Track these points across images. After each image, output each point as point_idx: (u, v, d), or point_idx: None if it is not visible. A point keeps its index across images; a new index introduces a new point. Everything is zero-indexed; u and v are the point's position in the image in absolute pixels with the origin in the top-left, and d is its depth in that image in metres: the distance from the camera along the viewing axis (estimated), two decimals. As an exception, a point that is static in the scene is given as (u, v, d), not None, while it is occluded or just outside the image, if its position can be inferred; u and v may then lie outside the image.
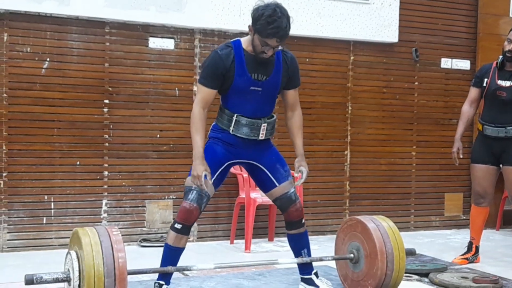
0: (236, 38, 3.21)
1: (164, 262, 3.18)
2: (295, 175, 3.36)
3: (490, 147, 4.46)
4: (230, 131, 3.21)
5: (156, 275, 3.26)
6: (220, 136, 3.25)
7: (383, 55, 5.93)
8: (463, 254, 4.62)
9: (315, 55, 5.67)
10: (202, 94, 3.13)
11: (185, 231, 3.15)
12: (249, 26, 3.09)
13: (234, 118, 3.19)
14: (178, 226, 3.14)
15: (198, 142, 3.10)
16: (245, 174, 4.87)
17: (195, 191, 3.15)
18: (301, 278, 3.47)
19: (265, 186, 3.38)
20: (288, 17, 3.04)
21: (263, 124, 3.24)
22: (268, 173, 3.33)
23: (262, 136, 3.25)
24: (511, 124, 4.36)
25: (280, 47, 3.10)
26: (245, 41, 3.15)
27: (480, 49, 6.21)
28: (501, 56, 4.42)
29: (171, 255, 3.18)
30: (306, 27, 5.49)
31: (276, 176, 3.33)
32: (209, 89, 3.12)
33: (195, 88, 5.25)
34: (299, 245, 3.42)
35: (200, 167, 3.06)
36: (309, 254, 3.43)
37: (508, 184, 4.42)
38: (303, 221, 3.41)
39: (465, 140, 5.50)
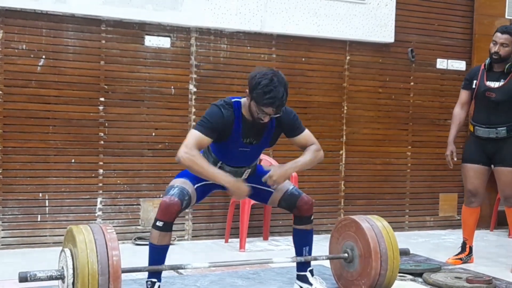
0: (237, 99, 3.20)
1: (151, 262, 3.16)
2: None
3: (482, 148, 4.47)
4: None
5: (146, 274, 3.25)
6: None
7: (379, 55, 5.94)
8: (457, 255, 4.64)
9: (311, 55, 5.67)
10: (199, 140, 3.09)
11: (167, 228, 3.11)
12: (246, 92, 3.13)
13: (219, 164, 3.28)
14: (159, 223, 3.10)
15: (215, 169, 3.12)
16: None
17: (176, 188, 3.16)
18: (297, 275, 3.48)
19: (262, 197, 3.43)
20: (285, 85, 3.07)
21: (246, 170, 3.35)
22: (258, 186, 3.39)
23: (245, 177, 3.35)
24: (501, 124, 4.38)
25: (276, 115, 3.13)
26: (243, 105, 3.18)
27: (476, 50, 6.22)
28: (488, 58, 4.44)
29: (158, 254, 3.16)
30: (302, 26, 5.49)
31: (267, 185, 3.33)
32: (207, 137, 3.11)
33: (191, 86, 5.25)
34: (303, 242, 3.44)
35: (242, 186, 3.14)
36: (310, 253, 3.45)
37: (500, 184, 4.44)
38: (312, 218, 3.42)
39: (459, 141, 5.52)
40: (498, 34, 4.37)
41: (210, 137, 3.11)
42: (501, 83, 4.38)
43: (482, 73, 4.47)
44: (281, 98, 3.03)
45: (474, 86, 4.50)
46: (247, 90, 3.10)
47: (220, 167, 3.26)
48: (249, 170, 3.36)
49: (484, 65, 4.48)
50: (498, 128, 4.39)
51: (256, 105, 3.05)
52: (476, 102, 4.54)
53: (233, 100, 3.19)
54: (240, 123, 3.16)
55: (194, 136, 3.10)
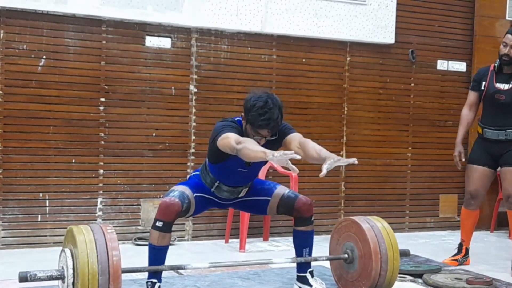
0: (239, 119, 3.21)
1: (151, 262, 3.16)
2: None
3: (489, 150, 4.46)
4: (211, 191, 3.33)
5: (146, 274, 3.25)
6: (203, 185, 3.34)
7: (379, 56, 5.94)
8: (453, 256, 4.64)
9: (311, 56, 5.68)
10: (232, 133, 3.03)
11: (166, 228, 3.12)
12: (242, 116, 3.15)
13: (216, 183, 3.30)
14: (159, 224, 3.10)
15: (259, 148, 2.91)
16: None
17: (177, 191, 3.20)
18: (297, 276, 3.48)
19: (261, 208, 3.44)
20: (280, 107, 3.08)
21: (243, 189, 3.37)
22: (255, 198, 3.42)
23: (242, 195, 3.38)
24: (510, 126, 4.37)
25: (272, 137, 3.12)
26: (243, 126, 3.18)
27: (476, 51, 6.23)
28: (498, 60, 4.42)
29: (157, 255, 3.16)
30: (303, 27, 5.50)
31: (263, 193, 3.38)
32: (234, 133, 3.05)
33: (191, 87, 5.26)
34: (303, 243, 3.43)
35: (275, 154, 2.82)
36: (310, 254, 3.44)
37: (505, 185, 4.42)
38: (313, 218, 3.42)
39: (464, 142, 5.51)
40: (509, 36, 4.33)
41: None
42: (511, 85, 4.36)
43: (491, 75, 4.45)
44: (276, 119, 3.05)
45: (482, 88, 4.48)
46: (243, 114, 3.12)
47: (217, 187, 3.31)
48: (246, 189, 3.39)
49: (494, 66, 4.46)
50: (508, 130, 4.37)
51: (252, 128, 3.08)
52: (484, 104, 4.52)
53: (236, 119, 3.22)
54: None
55: (229, 136, 3.00)
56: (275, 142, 3.25)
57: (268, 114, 3.02)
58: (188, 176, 3.52)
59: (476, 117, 4.74)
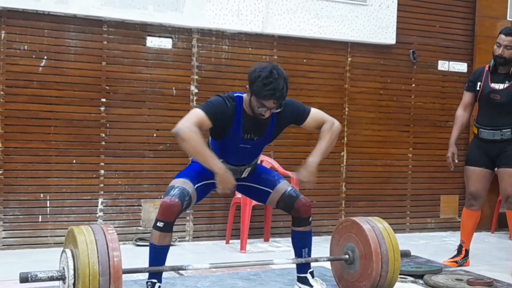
0: (239, 94, 3.18)
1: (152, 262, 3.15)
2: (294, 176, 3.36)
3: (485, 150, 4.46)
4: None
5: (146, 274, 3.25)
6: (205, 170, 3.23)
7: (380, 56, 5.94)
8: (452, 257, 4.63)
9: (312, 56, 5.68)
10: (200, 119, 3.02)
11: (167, 228, 3.10)
12: (246, 87, 3.11)
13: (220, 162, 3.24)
14: (160, 224, 3.09)
15: (210, 153, 3.06)
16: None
17: (177, 189, 3.15)
18: (297, 277, 3.48)
19: (261, 197, 3.43)
20: (285, 78, 3.05)
21: (246, 169, 3.34)
22: (258, 186, 3.39)
23: (245, 175, 3.36)
24: (506, 126, 4.37)
25: (277, 109, 3.10)
26: (245, 101, 3.16)
27: (477, 51, 6.22)
28: (492, 60, 4.43)
29: (158, 254, 3.15)
30: (303, 27, 5.50)
31: (266, 184, 3.36)
32: (208, 120, 3.05)
33: (192, 87, 5.26)
34: (302, 244, 3.42)
35: (230, 178, 3.05)
36: (309, 254, 3.43)
37: (503, 185, 4.42)
38: (310, 219, 3.41)
39: (461, 143, 5.53)
40: (502, 36, 4.35)
41: (212, 120, 3.06)
42: (506, 85, 4.37)
43: (487, 75, 4.46)
44: (281, 89, 3.01)
45: (478, 88, 4.48)
46: (247, 86, 3.09)
47: None
48: (249, 168, 3.35)
49: (489, 66, 4.47)
50: (503, 130, 4.38)
51: (257, 99, 3.03)
52: (480, 104, 4.52)
53: (235, 94, 3.18)
54: (241, 118, 3.15)
55: (196, 114, 3.03)
56: (278, 125, 3.23)
57: (273, 84, 2.98)
58: (190, 159, 3.48)
59: (472, 117, 4.75)
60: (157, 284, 3.17)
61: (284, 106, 3.16)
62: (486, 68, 4.49)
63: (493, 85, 4.42)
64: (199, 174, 3.23)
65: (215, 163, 3.02)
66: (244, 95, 3.17)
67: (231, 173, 3.09)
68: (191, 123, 2.98)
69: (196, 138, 2.96)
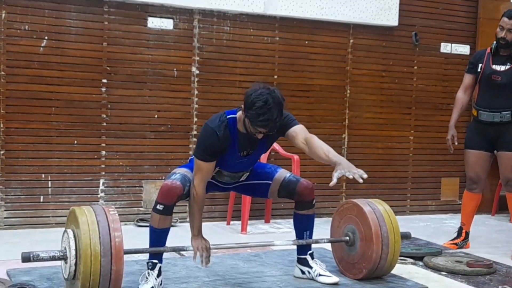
0: (232, 115, 3.14)
1: (152, 244, 3.18)
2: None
3: (484, 133, 4.46)
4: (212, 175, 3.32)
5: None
6: None
7: (382, 38, 5.91)
8: (452, 239, 4.64)
9: (314, 38, 5.65)
10: (205, 168, 3.12)
11: (167, 211, 3.12)
12: (241, 107, 3.08)
13: (216, 169, 3.27)
14: (159, 207, 3.10)
15: (197, 224, 3.22)
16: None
17: (179, 174, 3.19)
18: (297, 258, 3.50)
19: (261, 191, 3.43)
20: (280, 106, 3.00)
21: (244, 174, 3.36)
22: (256, 181, 3.41)
23: (243, 179, 3.38)
24: (506, 108, 4.36)
25: (270, 132, 3.08)
26: (239, 119, 3.13)
27: (480, 34, 6.19)
28: (495, 42, 4.42)
29: (158, 237, 3.17)
30: (305, 9, 5.46)
31: (263, 177, 3.37)
32: (212, 163, 3.14)
33: (193, 69, 5.24)
34: (304, 226, 3.44)
35: (203, 242, 3.22)
36: (310, 236, 3.45)
37: (502, 168, 4.43)
38: (314, 202, 3.42)
39: (462, 125, 5.51)
40: (505, 19, 4.33)
41: (214, 160, 3.14)
42: (507, 66, 4.36)
43: (488, 57, 4.45)
44: (274, 120, 2.98)
45: (479, 70, 4.47)
46: (242, 106, 3.05)
47: (218, 171, 3.29)
48: (247, 173, 3.38)
49: (491, 49, 4.45)
50: (503, 112, 4.37)
51: (250, 124, 3.02)
52: (480, 86, 4.51)
53: (229, 117, 3.14)
54: (236, 139, 3.14)
55: (201, 168, 3.12)
56: (275, 134, 3.20)
57: (267, 115, 2.95)
58: (189, 159, 3.52)
59: (472, 101, 4.74)
60: (158, 265, 3.19)
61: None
62: (488, 50, 4.47)
63: (494, 66, 4.41)
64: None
65: (196, 228, 3.21)
66: (239, 113, 3.13)
67: (208, 245, 3.24)
68: (201, 180, 3.13)
69: (197, 202, 3.16)
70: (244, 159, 3.24)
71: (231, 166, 3.27)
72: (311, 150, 3.12)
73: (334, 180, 2.92)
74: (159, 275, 3.18)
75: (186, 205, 5.23)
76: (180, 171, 3.25)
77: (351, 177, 2.96)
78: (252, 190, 3.50)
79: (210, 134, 3.09)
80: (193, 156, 3.20)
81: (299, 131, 3.18)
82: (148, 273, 3.16)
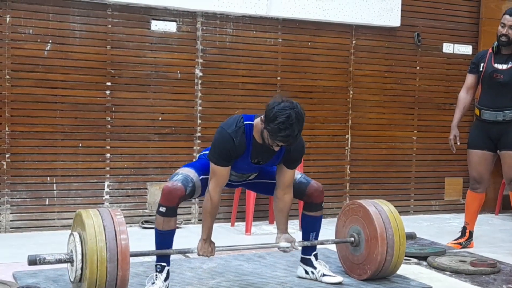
0: (249, 122, 3.07)
1: (158, 247, 3.17)
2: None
3: (487, 133, 4.47)
4: None
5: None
6: None
7: (385, 39, 5.92)
8: (456, 239, 4.65)
9: (317, 39, 5.66)
10: (219, 173, 3.08)
11: (170, 213, 3.10)
12: (261, 118, 3.01)
13: None
14: (162, 209, 3.09)
15: (208, 228, 3.21)
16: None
17: (180, 175, 3.17)
18: (301, 258, 3.51)
19: (270, 190, 3.38)
20: (301, 121, 2.94)
21: (253, 174, 3.37)
22: (264, 180, 3.39)
23: (251, 178, 3.38)
24: (509, 107, 4.37)
25: (288, 146, 3.05)
26: (256, 126, 3.06)
27: (483, 34, 6.19)
28: (496, 42, 4.43)
29: (164, 239, 3.16)
30: (308, 10, 5.47)
31: (273, 176, 3.33)
32: (226, 167, 3.10)
33: (196, 71, 5.26)
34: (311, 228, 3.45)
35: (208, 246, 3.23)
36: (316, 238, 3.45)
37: (505, 168, 4.44)
38: (323, 204, 3.42)
39: (466, 125, 5.52)
40: (507, 17, 4.34)
41: (229, 165, 3.11)
42: (509, 65, 4.37)
43: (490, 56, 4.47)
44: (295, 136, 2.92)
45: (481, 69, 4.49)
46: (263, 116, 2.97)
47: None
48: (256, 174, 3.38)
49: (492, 48, 4.47)
50: (505, 111, 4.38)
51: (269, 136, 2.96)
52: (483, 85, 4.52)
53: (246, 122, 3.08)
54: (250, 146, 3.09)
55: (216, 173, 3.08)
56: (286, 154, 3.17)
57: (289, 130, 2.88)
58: (198, 155, 3.51)
59: (475, 101, 4.74)
60: (166, 268, 3.19)
61: (297, 146, 3.11)
62: (490, 50, 4.49)
63: (496, 65, 4.42)
64: (206, 167, 3.21)
65: (205, 231, 3.21)
66: (256, 121, 3.07)
67: (214, 250, 3.26)
68: (217, 185, 3.11)
69: (212, 207, 3.15)
70: (253, 165, 3.21)
71: (240, 169, 3.26)
72: (276, 200, 3.30)
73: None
74: (166, 278, 3.19)
75: (190, 207, 5.29)
76: (183, 171, 3.22)
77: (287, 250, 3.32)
78: (259, 188, 3.47)
79: (227, 140, 3.03)
80: (208, 158, 3.14)
81: (288, 176, 3.24)
82: (156, 275, 3.17)
